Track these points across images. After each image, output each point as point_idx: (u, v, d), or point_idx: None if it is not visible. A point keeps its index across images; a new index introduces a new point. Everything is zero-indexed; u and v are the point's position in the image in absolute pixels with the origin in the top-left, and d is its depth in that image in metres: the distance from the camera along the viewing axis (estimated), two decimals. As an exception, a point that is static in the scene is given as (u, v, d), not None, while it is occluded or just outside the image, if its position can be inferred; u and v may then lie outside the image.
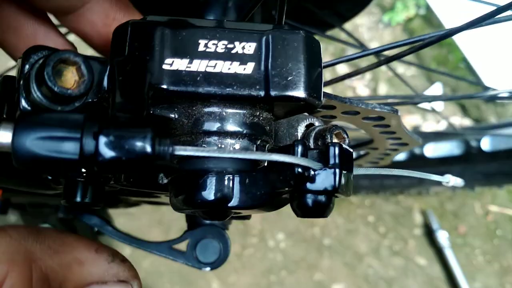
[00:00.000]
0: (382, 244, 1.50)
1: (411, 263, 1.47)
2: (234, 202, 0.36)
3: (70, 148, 0.27)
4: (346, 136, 0.46)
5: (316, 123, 0.49)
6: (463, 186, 1.51)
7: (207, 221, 0.61)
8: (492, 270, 1.46)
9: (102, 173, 0.29)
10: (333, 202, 0.35)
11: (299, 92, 0.36)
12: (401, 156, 1.29)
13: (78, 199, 0.38)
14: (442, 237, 1.45)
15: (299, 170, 0.33)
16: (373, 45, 1.81)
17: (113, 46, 0.36)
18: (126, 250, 1.47)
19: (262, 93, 0.36)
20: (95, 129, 0.29)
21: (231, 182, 0.36)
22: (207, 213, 0.39)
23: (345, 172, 0.34)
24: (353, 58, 0.56)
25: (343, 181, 0.34)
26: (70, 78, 0.30)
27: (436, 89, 1.68)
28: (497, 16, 0.45)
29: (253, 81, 0.36)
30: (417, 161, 1.31)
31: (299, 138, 0.47)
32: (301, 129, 0.48)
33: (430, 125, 1.62)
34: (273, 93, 0.36)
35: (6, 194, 0.74)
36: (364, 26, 1.83)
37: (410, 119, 1.65)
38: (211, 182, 0.36)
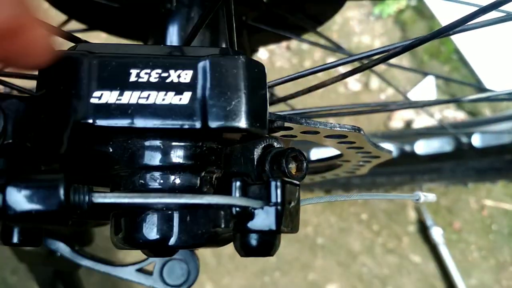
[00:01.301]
0: (375, 242, 1.48)
1: (405, 261, 1.45)
2: (173, 241, 0.34)
3: None
4: (303, 159, 0.43)
5: (275, 144, 0.46)
6: (456, 182, 1.48)
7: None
8: (488, 265, 1.44)
9: (14, 225, 0.27)
10: (279, 240, 0.33)
11: (240, 123, 0.33)
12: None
13: (15, 240, 0.36)
14: (437, 233, 1.43)
15: (237, 209, 0.31)
16: (364, 38, 1.77)
17: (39, 79, 0.34)
18: (119, 255, 1.46)
19: (199, 125, 0.33)
20: (2, 181, 0.26)
21: (170, 220, 0.34)
22: (150, 251, 0.37)
23: (290, 207, 0.32)
24: (334, 66, 0.53)
25: (286, 217, 0.32)
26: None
27: (429, 82, 1.65)
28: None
29: (190, 112, 0.33)
30: (408, 159, 1.28)
31: (255, 161, 0.45)
32: (257, 152, 0.45)
33: (423, 120, 1.59)
34: (212, 124, 0.33)
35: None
36: (355, 19, 1.79)
37: (402, 114, 1.62)
38: (150, 220, 0.34)
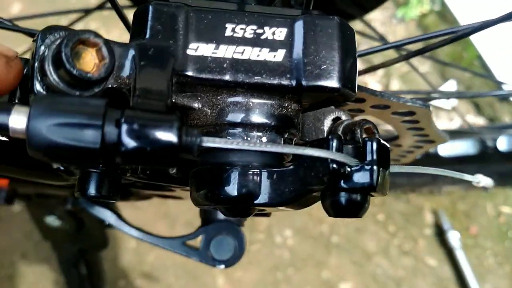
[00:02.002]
0: (391, 244, 1.48)
1: (420, 263, 1.45)
2: (261, 199, 0.34)
3: (90, 137, 0.25)
4: (376, 131, 0.43)
5: (343, 117, 0.46)
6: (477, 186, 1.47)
7: (222, 217, 0.58)
8: (503, 272, 1.44)
9: (124, 164, 0.27)
10: (368, 202, 0.33)
11: (333, 82, 0.33)
12: (414, 154, 1.26)
13: (93, 192, 0.36)
14: (454, 237, 1.42)
15: (334, 166, 0.31)
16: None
17: (133, 29, 0.34)
18: (131, 243, 1.45)
19: (293, 83, 0.33)
20: (117, 116, 0.26)
21: (258, 177, 0.34)
22: (229, 210, 0.36)
23: (383, 169, 0.32)
24: (375, 51, 0.53)
25: (381, 178, 0.32)
26: (89, 61, 0.28)
27: (450, 86, 1.65)
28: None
29: (284, 70, 0.33)
30: (431, 160, 1.28)
31: (325, 132, 0.45)
32: (327, 123, 0.45)
33: (443, 123, 1.59)
34: (305, 82, 0.33)
35: (13, 184, 0.72)
36: (377, 21, 1.80)
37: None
38: (236, 176, 0.34)
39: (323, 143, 0.32)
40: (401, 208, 1.51)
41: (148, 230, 0.59)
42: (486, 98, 1.64)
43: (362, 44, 1.70)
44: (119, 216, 0.56)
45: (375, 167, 0.31)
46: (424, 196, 1.50)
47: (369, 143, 0.32)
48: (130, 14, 0.45)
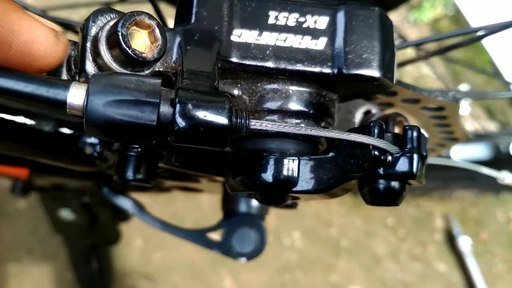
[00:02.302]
0: (401, 248, 1.47)
1: (430, 269, 1.44)
2: (299, 186, 0.34)
3: (147, 114, 0.25)
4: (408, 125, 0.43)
5: (374, 110, 0.46)
6: (488, 191, 1.48)
7: (244, 210, 0.59)
8: (513, 279, 1.43)
9: (176, 143, 0.27)
10: (406, 190, 0.33)
11: (374, 72, 0.34)
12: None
13: (131, 175, 0.36)
14: (464, 243, 1.42)
15: (376, 153, 0.31)
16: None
17: (178, 15, 0.34)
18: (138, 242, 1.45)
19: (335, 71, 0.34)
20: (171, 95, 0.27)
21: (296, 164, 0.34)
22: (265, 196, 0.37)
23: (423, 158, 0.32)
24: (404, 47, 0.54)
25: (420, 166, 0.32)
26: (142, 43, 0.28)
27: (463, 89, 1.65)
28: None
29: (325, 58, 0.34)
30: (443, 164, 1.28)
31: (356, 124, 0.45)
32: (358, 116, 0.45)
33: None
34: (346, 71, 0.33)
35: (32, 175, 0.73)
36: (389, 26, 1.80)
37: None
38: (274, 163, 0.34)
39: (364, 130, 0.32)
40: (411, 213, 1.51)
41: (169, 222, 0.59)
42: (498, 103, 1.64)
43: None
44: (142, 207, 0.57)
45: (415, 155, 0.31)
46: (434, 201, 1.50)
47: (409, 131, 0.32)
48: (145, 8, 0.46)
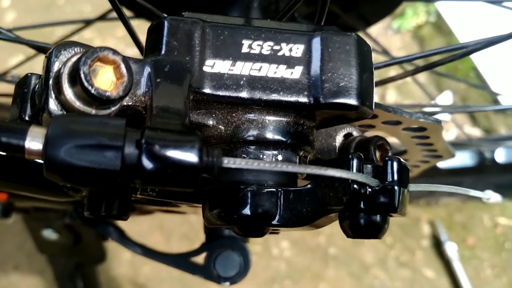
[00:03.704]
0: (388, 255, 1.47)
1: (418, 275, 1.44)
2: (277, 220, 0.33)
3: (110, 158, 0.24)
4: (389, 148, 0.43)
5: (354, 133, 0.46)
6: (473, 197, 1.47)
7: (227, 233, 0.57)
8: (501, 283, 1.43)
9: (143, 186, 0.26)
10: (388, 222, 0.32)
11: (352, 100, 0.33)
12: (412, 166, 1.26)
13: (103, 211, 0.35)
14: (451, 249, 1.42)
15: (355, 186, 0.30)
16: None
17: (148, 44, 0.33)
18: (126, 255, 1.43)
19: (311, 100, 0.33)
20: (137, 136, 0.25)
21: (274, 197, 0.33)
22: (243, 230, 0.35)
23: (404, 189, 0.31)
24: (382, 66, 0.53)
25: (401, 199, 0.31)
26: (107, 79, 0.27)
27: (446, 97, 1.66)
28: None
29: (301, 87, 0.33)
30: (429, 172, 1.27)
31: (337, 148, 0.44)
32: (339, 139, 0.45)
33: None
34: (323, 100, 0.33)
35: (11, 198, 0.71)
36: (373, 32, 1.81)
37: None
38: (251, 196, 0.33)
39: (343, 163, 0.31)
40: (398, 220, 1.50)
41: (152, 247, 0.58)
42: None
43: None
44: (122, 233, 0.55)
45: (396, 188, 0.31)
46: (421, 207, 1.50)
47: (389, 163, 0.31)
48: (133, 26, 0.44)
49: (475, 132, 1.63)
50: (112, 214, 0.35)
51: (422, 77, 1.71)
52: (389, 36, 1.80)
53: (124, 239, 0.54)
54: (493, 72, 1.63)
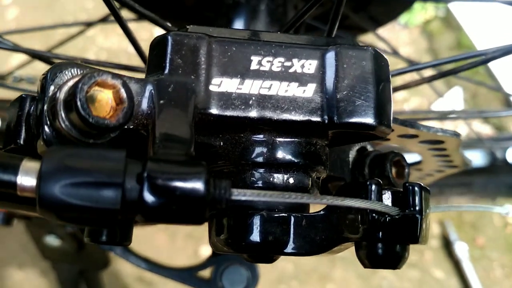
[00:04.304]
0: (397, 255, 1.45)
1: (427, 276, 1.42)
2: (289, 248, 0.31)
3: (110, 196, 0.22)
4: (405, 164, 0.41)
5: (368, 147, 0.43)
6: (485, 197, 1.45)
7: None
8: (510, 283, 1.41)
9: (146, 222, 0.24)
10: (408, 251, 0.30)
11: (369, 119, 0.30)
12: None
13: (105, 238, 0.33)
14: (461, 249, 1.40)
15: (373, 215, 0.28)
16: (390, 47, 1.75)
17: (150, 62, 0.31)
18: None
19: (325, 120, 0.30)
20: (138, 170, 0.23)
21: (285, 223, 0.31)
22: (253, 257, 0.33)
23: (426, 217, 0.29)
24: (404, 72, 0.51)
25: (424, 227, 0.29)
26: (106, 105, 0.25)
27: (456, 93, 1.62)
28: None
29: (314, 106, 0.30)
30: (439, 171, 1.25)
31: (350, 163, 0.42)
32: (352, 154, 0.42)
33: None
34: (337, 120, 0.30)
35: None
36: (379, 28, 1.77)
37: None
38: (261, 222, 0.31)
39: (360, 190, 0.29)
40: (407, 219, 1.48)
41: (156, 260, 0.56)
42: (492, 106, 1.62)
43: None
44: (126, 247, 0.53)
45: (418, 216, 0.28)
46: (430, 206, 1.47)
47: (410, 189, 0.29)
48: (134, 28, 0.42)
49: (486, 129, 1.60)
50: (114, 241, 0.33)
51: (430, 72, 1.68)
52: (396, 31, 1.76)
53: (128, 254, 0.52)
54: (503, 66, 1.60)
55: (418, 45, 1.73)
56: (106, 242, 0.33)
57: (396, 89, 0.51)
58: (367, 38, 1.03)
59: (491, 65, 1.63)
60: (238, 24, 0.57)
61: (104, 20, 0.71)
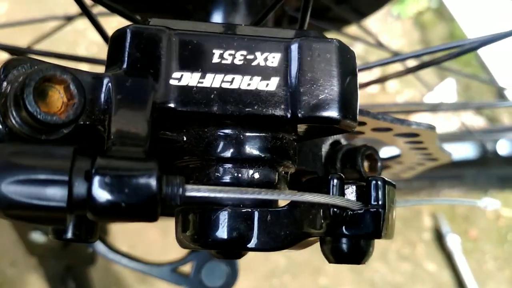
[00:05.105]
0: (389, 248, 1.45)
1: (419, 268, 1.43)
2: (253, 243, 0.30)
3: (56, 193, 0.22)
4: (378, 158, 0.40)
5: (342, 141, 0.43)
6: (477, 189, 1.45)
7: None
8: (503, 276, 1.42)
9: (97, 220, 0.24)
10: (373, 246, 0.30)
11: (333, 113, 0.30)
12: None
13: (70, 235, 0.32)
14: (453, 241, 1.40)
15: (335, 210, 0.28)
16: (383, 39, 1.74)
17: (110, 56, 0.30)
18: (123, 249, 1.42)
19: (288, 114, 0.30)
20: (87, 167, 0.23)
21: (250, 219, 0.31)
22: (221, 253, 0.33)
23: (390, 211, 0.29)
24: (380, 65, 0.50)
25: (387, 222, 0.28)
26: (57, 100, 0.24)
27: (448, 84, 1.62)
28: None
29: (278, 100, 0.30)
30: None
31: (323, 158, 0.42)
32: (325, 148, 0.42)
33: (440, 124, 1.56)
34: (301, 114, 0.30)
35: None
36: (373, 19, 1.76)
37: (419, 119, 1.60)
38: (226, 218, 0.30)
39: (322, 184, 0.28)
40: (399, 212, 1.48)
41: (136, 256, 0.55)
42: (485, 97, 1.61)
43: (356, 45, 1.66)
44: (106, 243, 0.53)
45: (381, 211, 0.28)
46: (422, 199, 1.47)
47: (373, 183, 0.29)
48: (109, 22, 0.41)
49: (479, 120, 1.60)
50: (79, 239, 0.33)
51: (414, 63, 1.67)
52: (389, 23, 1.76)
53: (107, 250, 0.52)
54: (495, 58, 1.60)
55: (411, 37, 1.72)
56: (71, 240, 0.33)
57: (382, 79, 0.50)
58: (356, 30, 1.02)
59: (484, 57, 1.63)
60: (217, 17, 0.56)
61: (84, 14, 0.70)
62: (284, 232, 0.30)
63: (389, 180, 0.29)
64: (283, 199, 0.27)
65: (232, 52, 0.30)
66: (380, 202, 0.28)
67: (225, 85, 0.30)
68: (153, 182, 0.23)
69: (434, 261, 1.42)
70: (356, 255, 0.29)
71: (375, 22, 1.76)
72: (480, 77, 1.59)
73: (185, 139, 0.31)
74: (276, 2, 0.37)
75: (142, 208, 0.23)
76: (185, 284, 0.53)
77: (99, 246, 0.52)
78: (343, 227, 0.28)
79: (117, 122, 0.26)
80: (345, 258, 0.29)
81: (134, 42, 0.29)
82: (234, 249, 0.31)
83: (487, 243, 1.45)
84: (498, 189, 1.40)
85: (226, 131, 0.31)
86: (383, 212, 0.28)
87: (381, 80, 0.50)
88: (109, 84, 0.28)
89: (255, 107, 0.30)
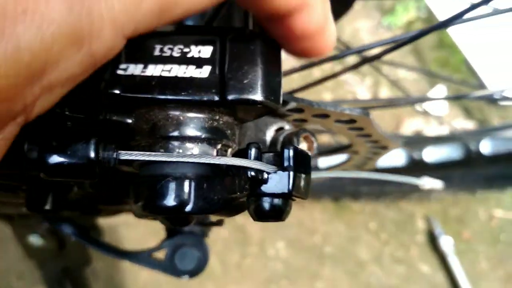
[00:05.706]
0: (384, 252, 1.48)
1: (414, 271, 1.45)
2: (189, 207, 0.36)
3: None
4: (314, 140, 0.45)
5: (286, 127, 0.48)
6: (465, 190, 1.49)
7: (186, 229, 0.60)
8: (496, 276, 1.43)
9: (49, 179, 0.29)
10: (290, 205, 0.35)
11: (256, 95, 0.35)
12: (400, 161, 1.27)
13: (36, 206, 0.38)
14: (446, 243, 1.42)
15: (252, 173, 0.33)
16: (374, 50, 1.80)
17: None
18: (125, 263, 1.47)
19: (217, 97, 0.35)
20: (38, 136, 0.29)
21: (188, 187, 0.36)
22: (168, 219, 0.38)
23: (302, 174, 0.34)
24: (345, 56, 0.55)
25: (298, 183, 0.33)
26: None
27: (439, 91, 1.66)
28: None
29: (209, 85, 0.35)
30: (417, 166, 1.29)
31: (268, 142, 0.47)
32: (270, 133, 0.47)
33: (433, 129, 1.60)
34: (229, 96, 0.35)
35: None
36: (364, 30, 1.82)
37: (412, 123, 1.64)
38: (169, 187, 0.36)
39: (242, 153, 0.34)
40: (393, 216, 1.51)
41: (115, 245, 0.61)
42: (475, 102, 1.65)
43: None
44: (85, 232, 0.58)
45: (291, 173, 0.33)
46: (415, 202, 1.50)
47: (286, 150, 0.34)
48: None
49: (469, 125, 1.63)
50: (45, 210, 0.39)
51: (414, 73, 1.72)
52: (380, 33, 1.81)
53: (86, 238, 0.57)
54: (484, 63, 1.64)
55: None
56: (38, 211, 0.39)
57: (323, 80, 0.55)
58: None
59: (473, 62, 1.67)
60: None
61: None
62: (217, 196, 0.36)
63: (301, 149, 0.34)
64: (203, 162, 0.32)
65: (171, 46, 0.36)
66: (290, 164, 0.33)
67: (165, 74, 0.35)
68: (90, 146, 0.29)
69: (428, 263, 1.44)
70: (276, 212, 0.34)
71: (366, 33, 1.82)
72: (470, 83, 1.63)
73: (134, 121, 0.37)
74: (221, 7, 0.43)
75: (82, 167, 0.29)
76: (160, 268, 0.58)
77: (79, 234, 0.57)
78: (262, 188, 0.33)
79: (72, 97, 0.32)
80: (266, 215, 0.34)
81: None
82: (175, 214, 0.37)
83: (480, 244, 1.47)
84: (486, 188, 1.43)
85: (168, 113, 0.36)
86: (293, 174, 0.33)
87: (327, 78, 0.56)
88: None
89: (190, 92, 0.35)
